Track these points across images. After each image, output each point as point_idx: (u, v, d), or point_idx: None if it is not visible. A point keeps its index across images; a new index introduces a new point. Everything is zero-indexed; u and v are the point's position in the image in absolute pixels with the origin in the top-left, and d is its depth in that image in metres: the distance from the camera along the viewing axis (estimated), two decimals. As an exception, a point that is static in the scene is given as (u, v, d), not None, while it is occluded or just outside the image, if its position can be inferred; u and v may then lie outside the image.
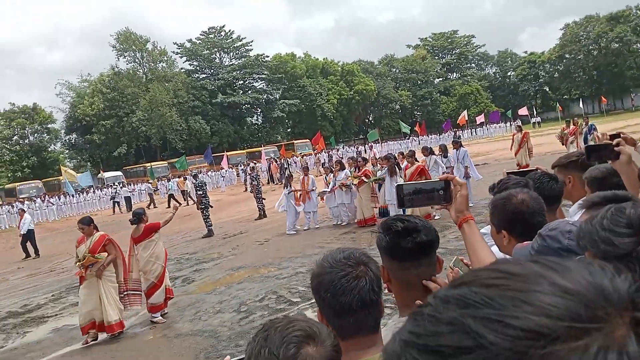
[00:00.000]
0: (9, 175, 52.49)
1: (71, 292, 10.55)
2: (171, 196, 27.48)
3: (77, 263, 7.12)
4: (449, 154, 13.55)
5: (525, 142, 15.34)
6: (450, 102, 72.55)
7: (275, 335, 1.04)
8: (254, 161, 36.91)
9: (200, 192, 15.01)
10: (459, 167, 13.01)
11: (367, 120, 74.64)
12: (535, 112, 59.11)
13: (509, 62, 79.40)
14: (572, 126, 17.73)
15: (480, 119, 49.38)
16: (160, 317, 7.57)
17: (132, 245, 7.75)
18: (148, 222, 7.91)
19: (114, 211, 30.52)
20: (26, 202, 34.04)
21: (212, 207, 15.37)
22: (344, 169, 13.38)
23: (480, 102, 69.99)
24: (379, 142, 45.54)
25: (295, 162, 36.87)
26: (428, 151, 13.29)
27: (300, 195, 13.59)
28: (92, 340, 7.09)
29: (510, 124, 52.98)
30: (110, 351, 6.65)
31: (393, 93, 69.87)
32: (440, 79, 77.91)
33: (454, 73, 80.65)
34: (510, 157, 18.31)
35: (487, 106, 67.91)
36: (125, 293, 7.42)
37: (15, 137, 55.45)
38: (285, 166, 32.44)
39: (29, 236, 16.96)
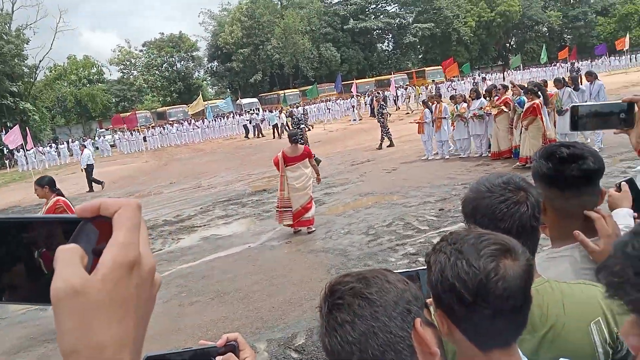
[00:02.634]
0: (160, 99, 57.82)
1: (217, 206, 11.67)
2: (275, 127, 28.63)
3: None
4: (580, 87, 11.86)
5: None
6: (608, 24, 63.85)
7: (470, 248, 1.00)
8: (382, 89, 36.55)
9: (298, 128, 14.77)
10: None
11: (508, 45, 68.98)
12: None
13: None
14: None
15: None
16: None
17: (282, 165, 8.13)
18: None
19: (247, 136, 32.33)
20: (175, 124, 37.62)
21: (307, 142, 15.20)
22: (479, 97, 12.68)
23: (646, 24, 60.75)
24: (519, 69, 42.13)
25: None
26: (562, 83, 11.50)
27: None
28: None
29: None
30: (251, 260, 7.33)
31: (540, 13, 63.22)
32: (599, -3, 68.56)
33: (616, -11, 70.31)
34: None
35: (655, 28, 58.78)
36: (278, 209, 8.23)
37: (165, 65, 60.44)
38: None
39: (87, 170, 17.65)
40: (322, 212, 9.45)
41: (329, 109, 37.47)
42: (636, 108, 1.51)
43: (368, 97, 34.92)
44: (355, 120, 31.57)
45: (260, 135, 31.33)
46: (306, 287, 5.92)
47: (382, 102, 17.93)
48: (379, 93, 29.76)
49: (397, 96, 36.55)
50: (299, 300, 5.58)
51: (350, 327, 0.88)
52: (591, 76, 12.02)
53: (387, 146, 16.93)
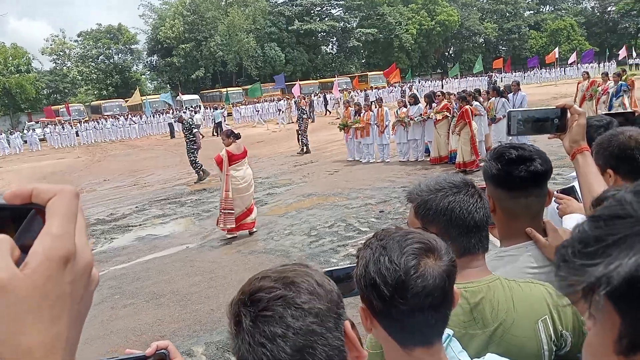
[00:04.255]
0: (95, 93, 55.44)
1: (153, 204, 11.27)
2: (218, 124, 28.19)
3: None
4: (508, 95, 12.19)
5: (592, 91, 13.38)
6: (540, 38, 67.48)
7: (394, 244, 1.02)
8: (325, 92, 36.62)
9: (190, 134, 13.68)
10: None
11: (446, 54, 71.33)
12: (634, 53, 53.93)
13: (612, -5, 72.01)
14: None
15: (572, 57, 45.73)
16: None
17: (227, 164, 7.68)
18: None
19: (173, 136, 30.98)
20: (110, 119, 36.14)
21: (200, 148, 13.93)
22: (417, 103, 13.01)
23: (574, 39, 64.67)
24: (457, 78, 43.65)
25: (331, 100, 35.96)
26: (497, 92, 11.98)
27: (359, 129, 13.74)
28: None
29: (604, 64, 48.93)
30: (189, 261, 7.11)
31: (478, 25, 65.81)
32: (531, 12, 72.27)
33: (547, 6, 74.40)
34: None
35: (581, 44, 62.65)
36: (221, 212, 7.74)
37: (101, 57, 58.03)
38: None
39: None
40: (264, 212, 9.34)
41: (280, 109, 36.78)
42: (568, 114, 1.56)
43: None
44: (282, 123, 29.79)
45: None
46: (246, 289, 5.79)
47: (303, 108, 17.54)
48: (303, 98, 29.73)
49: (327, 100, 36.59)
50: (238, 302, 5.45)
51: (283, 342, 0.76)
52: (517, 86, 12.41)
53: (298, 152, 16.61)
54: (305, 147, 16.68)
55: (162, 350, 0.94)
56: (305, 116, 16.90)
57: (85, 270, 0.44)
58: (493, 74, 47.71)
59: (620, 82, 13.00)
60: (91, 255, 0.45)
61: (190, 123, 14.08)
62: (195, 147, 13.60)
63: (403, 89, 37.38)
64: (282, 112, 31.64)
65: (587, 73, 15.03)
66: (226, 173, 7.69)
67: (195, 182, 13.45)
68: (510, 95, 12.25)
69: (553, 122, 1.57)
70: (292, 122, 29.28)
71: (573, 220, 1.62)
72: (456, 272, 1.05)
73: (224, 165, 7.69)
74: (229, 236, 7.88)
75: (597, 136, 1.95)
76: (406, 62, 60.12)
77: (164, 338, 1.00)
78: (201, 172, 13.60)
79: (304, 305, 0.79)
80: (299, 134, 16.71)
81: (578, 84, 15.22)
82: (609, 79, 13.78)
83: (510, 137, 1.70)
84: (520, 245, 1.53)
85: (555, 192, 1.79)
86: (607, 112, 8.21)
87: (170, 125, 31.08)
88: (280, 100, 34.59)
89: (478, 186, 1.40)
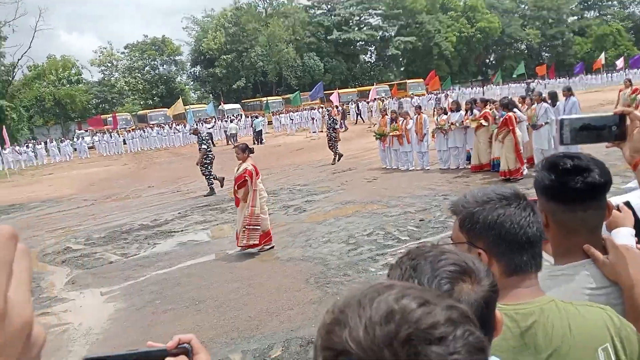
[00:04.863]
0: (141, 102, 57.15)
1: (195, 211, 11.48)
2: (259, 133, 28.47)
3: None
4: (557, 102, 11.75)
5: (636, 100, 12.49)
6: (584, 44, 65.50)
7: (426, 266, 0.93)
8: (363, 99, 36.48)
9: (205, 147, 13.40)
10: None
11: (487, 61, 70.09)
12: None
13: (662, -2, 69.29)
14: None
15: (619, 63, 44.13)
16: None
17: (255, 179, 7.51)
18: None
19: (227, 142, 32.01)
20: (156, 127, 37.17)
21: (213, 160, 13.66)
22: (459, 110, 12.80)
23: (620, 45, 62.42)
24: (499, 85, 42.81)
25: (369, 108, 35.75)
26: (540, 97, 11.43)
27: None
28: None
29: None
30: (228, 268, 7.19)
31: (520, 31, 64.49)
32: (575, 17, 70.26)
33: (592, 11, 72.23)
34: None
35: (629, 49, 60.38)
36: (246, 227, 7.51)
37: (147, 68, 59.85)
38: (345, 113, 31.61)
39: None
40: (302, 219, 9.36)
41: (313, 117, 37.04)
42: (628, 120, 1.46)
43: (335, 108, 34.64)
44: (315, 132, 29.71)
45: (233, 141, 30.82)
46: (284, 297, 5.80)
47: (335, 117, 17.38)
48: (337, 107, 29.67)
49: (360, 110, 36.29)
50: (276, 310, 5.46)
51: None
52: (568, 92, 11.92)
53: (332, 163, 16.36)
54: (338, 156, 16.44)
55: (185, 345, 0.91)
56: (337, 126, 16.62)
57: (22, 331, 0.36)
58: (534, 80, 46.53)
59: None
60: (31, 312, 0.37)
61: (204, 137, 13.81)
62: (207, 161, 13.36)
63: (438, 96, 36.91)
64: (316, 120, 31.78)
65: (630, 80, 14.29)
66: (254, 188, 7.47)
67: (205, 195, 13.31)
68: (561, 101, 11.79)
69: (611, 129, 1.46)
70: (322, 132, 28.84)
71: (621, 235, 1.51)
72: (497, 299, 0.96)
73: (254, 179, 7.46)
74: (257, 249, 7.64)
75: None
76: (446, 69, 59.41)
77: (202, 345, 0.98)
78: (213, 188, 13.40)
79: None
80: (330, 145, 16.34)
81: (620, 91, 14.46)
82: None
83: (563, 147, 1.59)
84: (577, 263, 1.41)
85: (620, 204, 1.68)
86: None
87: (209, 134, 31.76)
88: (313, 109, 34.65)
89: (530, 199, 1.31)
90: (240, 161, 7.65)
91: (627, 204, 1.74)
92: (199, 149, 13.59)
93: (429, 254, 0.94)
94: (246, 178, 7.43)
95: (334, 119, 17.03)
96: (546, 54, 67.86)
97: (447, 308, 0.63)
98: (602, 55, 44.61)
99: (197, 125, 17.29)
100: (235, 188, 7.63)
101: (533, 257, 1.23)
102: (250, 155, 7.70)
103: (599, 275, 1.38)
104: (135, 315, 5.87)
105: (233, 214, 10.63)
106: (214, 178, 13.50)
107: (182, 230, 9.82)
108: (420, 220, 8.26)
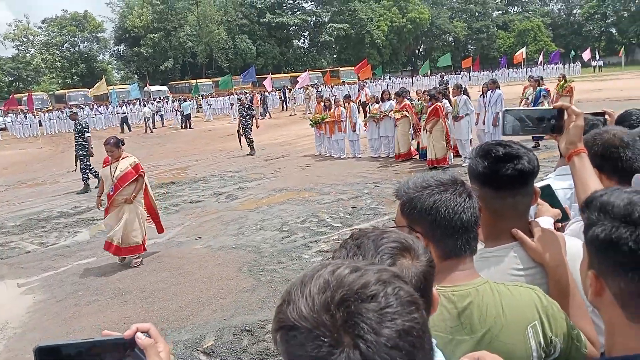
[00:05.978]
0: (59, 81, 53.81)
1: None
2: (187, 116, 27.66)
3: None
4: (480, 97, 12.03)
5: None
6: (507, 38, 68.90)
7: (369, 244, 0.98)
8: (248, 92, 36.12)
9: (80, 137, 12.18)
10: (490, 112, 11.47)
11: (417, 52, 71.93)
12: (597, 56, 55.56)
13: (577, -2, 74.04)
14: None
15: (539, 58, 46.84)
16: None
17: (144, 174, 6.95)
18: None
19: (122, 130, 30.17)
20: (75, 109, 35.08)
21: (92, 156, 12.28)
22: (390, 99, 13.05)
23: (540, 40, 66.19)
24: (427, 76, 44.07)
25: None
26: (460, 90, 11.52)
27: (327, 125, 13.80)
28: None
29: (569, 65, 50.22)
30: (156, 257, 6.93)
31: (448, 24, 66.64)
32: (500, 12, 73.60)
33: (515, 7, 75.92)
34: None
35: (547, 45, 64.17)
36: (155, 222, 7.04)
37: (66, 45, 56.33)
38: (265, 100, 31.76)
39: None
40: (234, 207, 9.20)
41: (232, 103, 35.92)
42: (566, 115, 1.53)
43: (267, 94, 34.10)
44: (235, 118, 28.32)
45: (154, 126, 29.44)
46: (215, 286, 5.67)
47: (249, 104, 16.55)
48: (260, 93, 29.25)
49: (286, 96, 36.18)
50: (208, 300, 5.33)
51: None
52: (494, 84, 11.98)
53: (248, 153, 15.37)
54: (250, 148, 15.45)
55: (143, 334, 0.89)
56: (253, 112, 15.85)
57: None
58: (462, 72, 48.34)
59: (539, 88, 12.49)
60: None
61: (83, 125, 12.28)
62: (85, 152, 11.99)
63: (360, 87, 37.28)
64: (234, 106, 31.28)
65: (532, 77, 14.09)
66: (145, 183, 6.85)
67: (78, 192, 11.94)
68: (488, 93, 11.82)
69: (549, 122, 1.54)
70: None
71: (542, 223, 1.60)
72: (434, 274, 1.02)
73: (145, 176, 6.84)
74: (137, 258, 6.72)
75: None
76: (377, 58, 60.37)
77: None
78: (88, 184, 12.00)
79: None
80: (240, 135, 15.29)
81: (525, 88, 13.84)
82: (540, 85, 12.82)
83: (506, 137, 1.67)
84: (506, 246, 1.49)
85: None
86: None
87: (124, 118, 30.47)
88: (231, 95, 33.91)
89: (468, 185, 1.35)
90: (116, 159, 6.67)
91: (548, 186, 1.84)
92: (75, 138, 12.24)
93: (372, 234, 1.01)
94: (140, 173, 6.68)
95: (248, 105, 16.16)
96: (472, 47, 70.57)
97: (377, 271, 0.69)
98: (523, 50, 47.10)
99: (76, 111, 15.16)
100: (120, 190, 6.62)
101: (467, 242, 1.29)
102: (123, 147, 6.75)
103: (526, 257, 1.47)
104: (56, 307, 5.53)
105: (160, 201, 10.20)
106: (92, 174, 12.08)
107: (104, 218, 9.33)
108: (352, 208, 8.36)
